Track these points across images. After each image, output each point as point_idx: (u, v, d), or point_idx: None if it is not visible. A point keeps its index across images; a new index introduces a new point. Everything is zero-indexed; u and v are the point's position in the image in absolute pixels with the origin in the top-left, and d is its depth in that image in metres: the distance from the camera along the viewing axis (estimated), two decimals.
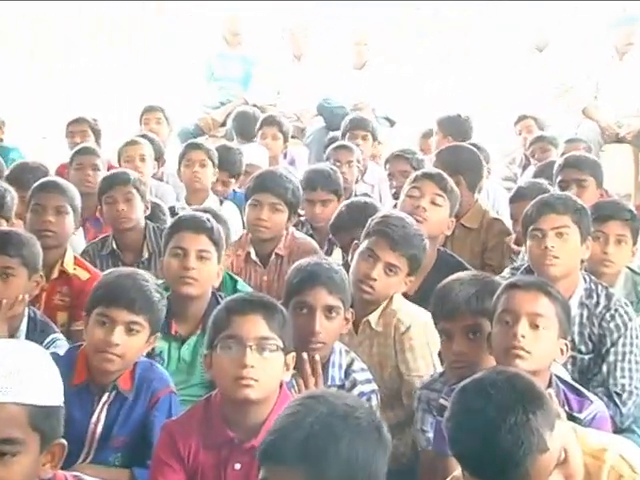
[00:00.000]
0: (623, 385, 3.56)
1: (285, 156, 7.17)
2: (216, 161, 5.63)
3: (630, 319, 3.62)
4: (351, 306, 3.32)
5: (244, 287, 4.02)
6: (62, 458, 2.07)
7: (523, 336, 2.85)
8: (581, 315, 3.63)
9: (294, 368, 2.90)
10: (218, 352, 2.71)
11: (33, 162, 5.31)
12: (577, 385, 3.04)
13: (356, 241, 3.77)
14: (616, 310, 3.61)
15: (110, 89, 9.15)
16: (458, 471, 2.32)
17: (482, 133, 7.12)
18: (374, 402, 3.19)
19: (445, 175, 4.31)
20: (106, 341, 2.99)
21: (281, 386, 2.76)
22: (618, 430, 3.39)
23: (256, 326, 2.70)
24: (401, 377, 3.51)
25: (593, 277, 3.73)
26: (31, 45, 9.35)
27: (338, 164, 5.64)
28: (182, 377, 3.52)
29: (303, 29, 8.75)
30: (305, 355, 3.15)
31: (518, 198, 4.65)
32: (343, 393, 2.14)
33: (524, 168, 7.03)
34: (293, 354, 2.80)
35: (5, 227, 4.17)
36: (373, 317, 3.54)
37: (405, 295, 3.66)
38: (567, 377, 3.16)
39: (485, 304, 3.05)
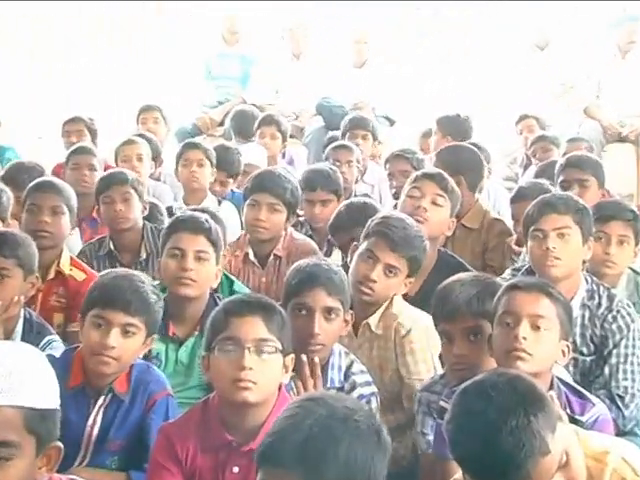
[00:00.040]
0: (625, 387, 3.55)
1: (284, 156, 7.15)
2: (214, 161, 5.61)
3: (632, 320, 3.60)
4: (350, 308, 3.30)
5: (240, 287, 4.01)
6: (58, 461, 2.06)
7: (524, 338, 2.83)
8: (583, 316, 3.62)
9: (293, 370, 2.88)
10: (216, 354, 2.70)
11: (29, 162, 5.30)
12: (579, 387, 3.02)
13: (355, 242, 3.75)
14: (618, 311, 3.60)
15: (110, 89, 9.15)
16: (459, 474, 2.31)
17: (482, 133, 7.11)
18: (374, 404, 3.17)
19: (446, 175, 4.30)
20: (102, 344, 2.97)
21: (280, 388, 2.74)
22: (620, 433, 3.37)
23: (254, 328, 2.68)
24: (401, 380, 3.49)
25: (595, 278, 3.71)
26: (31, 45, 9.35)
27: (337, 164, 5.62)
28: (180, 379, 3.51)
29: (303, 28, 8.73)
30: (304, 357, 3.13)
31: (519, 198, 4.63)
32: (342, 395, 2.12)
33: (525, 168, 7.01)
34: (292, 356, 2.79)
35: (0, 227, 4.15)
36: (373, 320, 3.52)
37: (406, 296, 3.65)
38: (569, 379, 3.15)
39: (486, 306, 3.03)
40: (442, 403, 3.04)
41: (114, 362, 2.98)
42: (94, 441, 3.04)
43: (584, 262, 3.68)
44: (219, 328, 2.71)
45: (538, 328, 2.86)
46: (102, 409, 3.04)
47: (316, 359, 3.16)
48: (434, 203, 4.18)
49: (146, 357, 3.32)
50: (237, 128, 7.48)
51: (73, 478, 2.23)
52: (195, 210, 4.18)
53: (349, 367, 3.25)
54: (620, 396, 3.53)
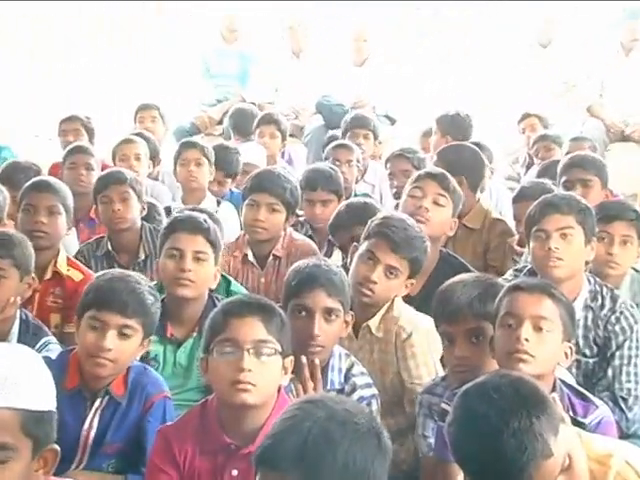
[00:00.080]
0: (629, 389, 3.54)
1: (283, 155, 7.11)
2: (212, 159, 5.57)
3: (636, 322, 3.59)
4: (350, 309, 3.27)
5: (237, 288, 3.99)
6: (55, 464, 2.05)
7: (527, 339, 2.82)
8: (586, 318, 3.60)
9: (292, 372, 2.86)
10: (215, 356, 2.68)
11: (25, 161, 5.28)
12: (582, 389, 3.01)
13: (355, 243, 3.72)
14: (621, 312, 3.58)
15: (110, 89, 9.15)
16: (460, 477, 2.33)
17: (484, 132, 7.08)
18: (374, 407, 3.15)
19: (448, 175, 4.27)
20: (98, 346, 2.95)
21: (279, 390, 2.73)
22: (624, 435, 3.37)
23: (254, 329, 2.66)
24: (402, 384, 3.47)
25: (598, 279, 3.70)
26: (31, 45, 9.36)
27: (337, 163, 5.59)
28: (178, 381, 3.49)
29: (303, 26, 8.70)
30: (304, 359, 3.11)
31: (521, 198, 4.62)
32: (342, 398, 2.10)
33: (528, 167, 6.98)
34: (291, 358, 2.77)
35: None
36: (373, 322, 3.49)
37: (407, 297, 3.63)
38: (572, 381, 3.13)
39: (488, 307, 3.01)
40: (443, 405, 3.03)
41: (110, 364, 2.96)
42: (91, 444, 3.02)
43: (587, 263, 3.67)
44: (218, 329, 2.69)
45: (540, 329, 2.84)
46: (99, 412, 3.02)
47: (316, 361, 3.14)
48: (436, 203, 4.15)
49: (144, 359, 3.31)
50: (236, 125, 7.44)
51: None
52: (193, 210, 4.15)
53: (349, 369, 3.23)
54: (623, 398, 3.52)
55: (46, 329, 3.60)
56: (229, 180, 5.82)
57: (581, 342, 3.58)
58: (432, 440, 3.11)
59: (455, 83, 9.54)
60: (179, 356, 3.55)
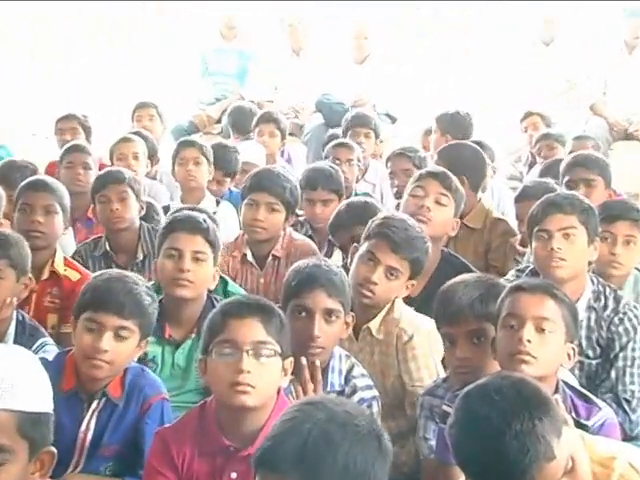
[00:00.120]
0: (632, 391, 3.53)
1: (282, 154, 7.09)
2: (211, 158, 5.55)
3: (639, 323, 3.56)
4: (351, 310, 3.25)
5: (235, 288, 3.98)
6: (52, 466, 2.04)
7: (529, 341, 2.81)
8: (589, 319, 3.58)
9: (292, 374, 2.84)
10: (213, 357, 2.66)
11: (21, 160, 5.26)
12: (585, 391, 3.00)
13: (355, 244, 3.70)
14: (625, 313, 3.57)
15: (110, 89, 9.15)
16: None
17: (485, 131, 7.06)
18: (375, 409, 3.14)
19: (450, 174, 4.25)
20: (94, 347, 2.93)
21: (279, 392, 2.71)
22: (627, 438, 3.35)
23: (253, 330, 2.64)
24: (404, 387, 3.45)
25: (601, 279, 3.68)
26: (31, 45, 9.37)
27: (338, 162, 5.57)
28: (176, 383, 3.48)
29: (302, 24, 8.68)
30: (304, 360, 3.09)
31: (523, 198, 4.61)
32: (343, 399, 2.10)
33: (530, 166, 6.96)
34: (291, 359, 2.75)
35: None
36: (374, 324, 3.47)
37: (408, 298, 3.61)
38: (574, 383, 3.12)
39: (489, 308, 3.00)
40: (445, 407, 3.01)
41: (107, 366, 2.94)
42: (88, 446, 3.00)
43: (590, 263, 3.65)
44: (216, 330, 2.67)
45: (543, 330, 2.83)
46: (96, 413, 3.01)
47: (316, 362, 3.12)
48: (438, 202, 4.13)
49: (142, 360, 3.29)
50: (235, 123, 7.42)
51: None
52: (192, 209, 4.13)
53: (350, 370, 3.21)
54: (627, 400, 3.51)
55: (43, 330, 3.58)
56: (228, 179, 5.80)
57: (584, 343, 3.56)
58: (433, 442, 3.09)
59: (455, 83, 9.54)
60: (177, 357, 3.53)
